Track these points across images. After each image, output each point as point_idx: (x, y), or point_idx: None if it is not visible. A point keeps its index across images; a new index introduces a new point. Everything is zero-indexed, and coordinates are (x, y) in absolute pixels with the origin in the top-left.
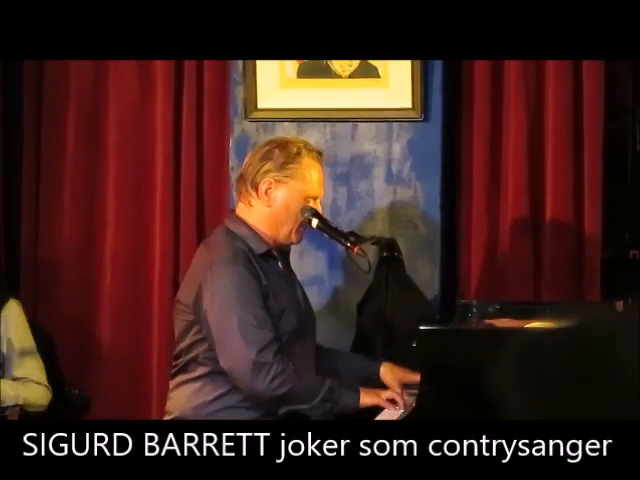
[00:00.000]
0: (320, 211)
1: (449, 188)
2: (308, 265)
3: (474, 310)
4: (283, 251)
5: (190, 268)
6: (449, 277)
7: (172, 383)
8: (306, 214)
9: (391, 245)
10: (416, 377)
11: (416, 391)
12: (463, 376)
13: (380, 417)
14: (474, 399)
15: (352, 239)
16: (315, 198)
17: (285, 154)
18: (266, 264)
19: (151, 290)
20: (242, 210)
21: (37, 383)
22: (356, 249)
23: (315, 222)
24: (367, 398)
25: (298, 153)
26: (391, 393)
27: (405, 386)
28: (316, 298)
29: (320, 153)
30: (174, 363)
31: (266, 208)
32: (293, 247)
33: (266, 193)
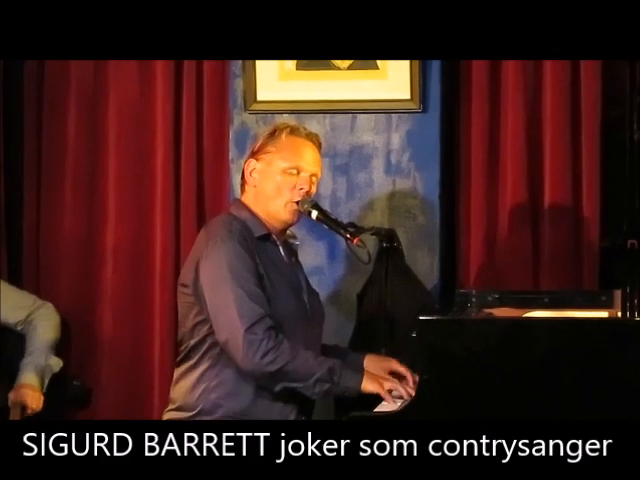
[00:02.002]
0: (315, 189)
1: (448, 178)
2: (308, 256)
3: (473, 300)
4: (287, 241)
5: (191, 250)
6: (448, 267)
7: (176, 372)
8: (306, 205)
9: (390, 235)
10: (400, 367)
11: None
12: (463, 365)
13: (380, 407)
14: (474, 388)
15: (351, 230)
16: (299, 171)
17: (266, 136)
18: (264, 247)
19: (152, 281)
20: (243, 197)
21: (38, 308)
22: (356, 240)
23: (315, 214)
24: (369, 385)
25: (279, 134)
26: (395, 385)
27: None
28: (316, 289)
29: (310, 133)
30: (179, 350)
31: (253, 189)
32: None
33: (250, 174)
